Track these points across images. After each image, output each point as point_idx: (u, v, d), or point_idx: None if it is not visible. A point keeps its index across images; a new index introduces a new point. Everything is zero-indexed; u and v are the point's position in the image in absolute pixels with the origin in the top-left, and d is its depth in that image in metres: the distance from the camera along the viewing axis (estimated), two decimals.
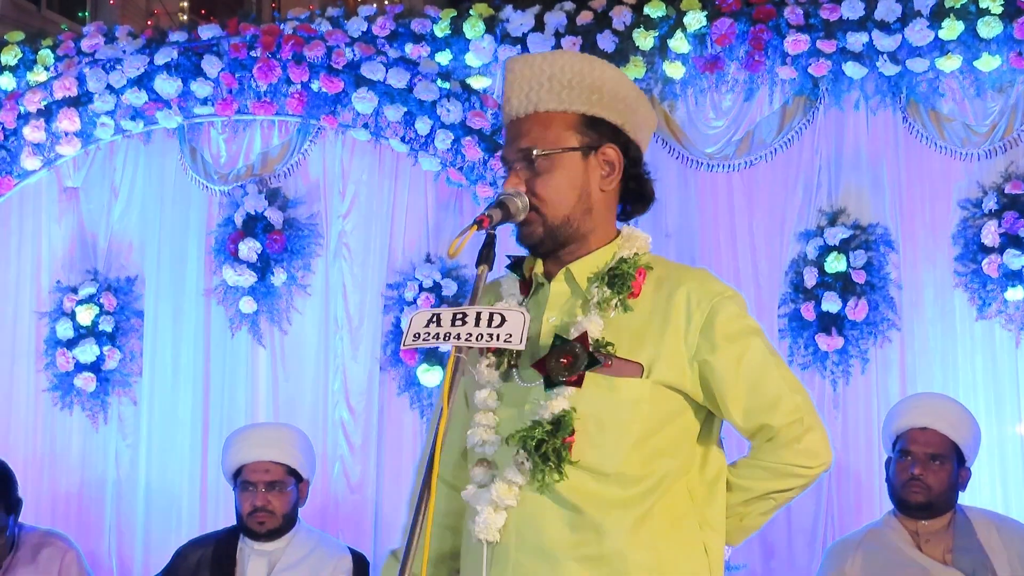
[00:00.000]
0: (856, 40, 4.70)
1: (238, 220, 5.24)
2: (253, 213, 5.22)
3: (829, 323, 4.79)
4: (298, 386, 5.28)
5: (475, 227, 2.20)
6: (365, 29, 5.15)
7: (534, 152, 2.31)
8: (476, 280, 2.24)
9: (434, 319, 2.15)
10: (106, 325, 5.33)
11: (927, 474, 4.01)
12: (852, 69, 4.77)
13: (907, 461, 4.03)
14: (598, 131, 2.34)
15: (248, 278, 5.19)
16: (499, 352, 2.35)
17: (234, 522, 4.34)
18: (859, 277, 4.77)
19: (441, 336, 2.13)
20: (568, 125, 2.33)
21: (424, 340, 2.14)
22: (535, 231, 2.32)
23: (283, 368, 5.29)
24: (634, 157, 2.39)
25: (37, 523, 4.58)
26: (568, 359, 2.24)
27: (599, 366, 2.24)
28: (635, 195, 2.41)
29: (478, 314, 2.14)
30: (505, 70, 2.39)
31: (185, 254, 5.41)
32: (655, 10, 4.88)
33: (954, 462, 4.04)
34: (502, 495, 2.25)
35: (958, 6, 4.62)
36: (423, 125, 4.93)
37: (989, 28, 4.58)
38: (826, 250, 4.82)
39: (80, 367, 5.30)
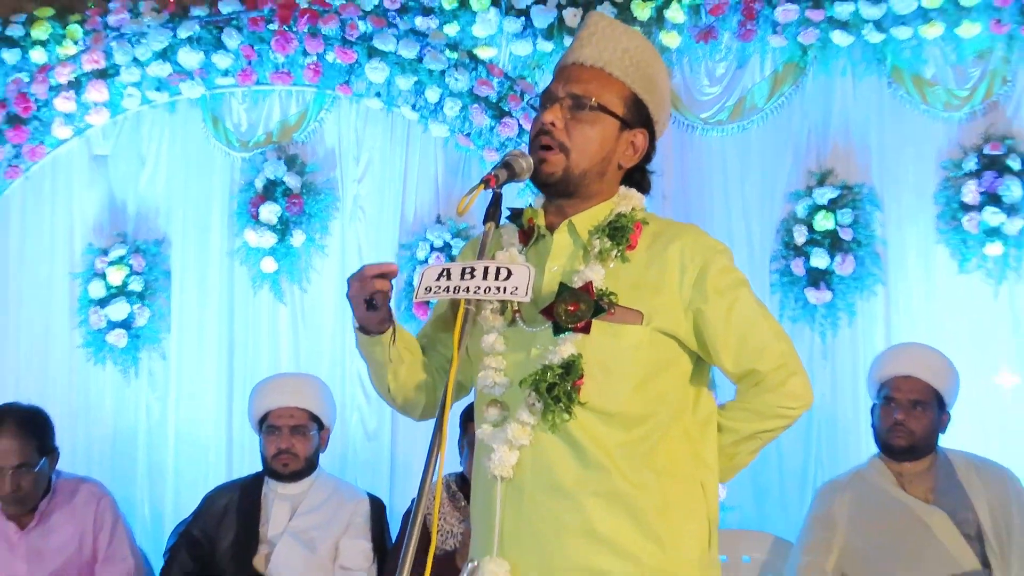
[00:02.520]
0: (843, 9, 4.78)
1: (259, 185, 5.34)
2: (273, 178, 5.32)
3: (818, 278, 4.90)
4: (317, 341, 5.36)
5: (482, 186, 2.25)
6: (377, 3, 5.18)
7: (589, 100, 2.38)
8: (483, 236, 2.30)
9: (444, 273, 2.21)
10: (136, 285, 5.41)
11: (910, 419, 4.13)
12: (839, 37, 4.85)
13: (891, 407, 4.15)
14: (640, 115, 2.46)
15: (269, 239, 5.30)
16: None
17: (259, 468, 4.47)
18: (846, 234, 4.87)
19: (451, 289, 2.20)
20: (622, 95, 2.41)
21: (435, 293, 2.21)
22: (555, 170, 2.37)
23: (303, 324, 5.38)
24: (649, 153, 2.52)
25: (74, 471, 4.60)
26: (575, 306, 2.29)
27: (603, 314, 2.30)
28: (632, 183, 2.52)
29: (486, 268, 2.20)
30: (587, 20, 2.46)
31: (209, 217, 5.51)
32: None
33: (935, 408, 4.16)
34: (516, 435, 2.29)
35: None
36: (432, 94, 5.01)
37: None
38: (815, 209, 4.92)
39: (112, 324, 5.40)
